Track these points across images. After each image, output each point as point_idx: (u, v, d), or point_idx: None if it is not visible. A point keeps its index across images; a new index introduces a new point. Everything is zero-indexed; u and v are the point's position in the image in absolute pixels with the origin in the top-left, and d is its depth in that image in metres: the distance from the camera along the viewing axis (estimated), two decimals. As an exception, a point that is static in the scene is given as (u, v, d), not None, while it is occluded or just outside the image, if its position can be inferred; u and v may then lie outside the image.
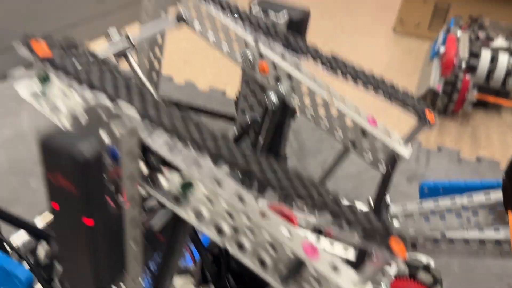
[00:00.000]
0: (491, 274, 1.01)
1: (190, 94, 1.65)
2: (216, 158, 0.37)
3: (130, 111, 0.36)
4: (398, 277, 0.84)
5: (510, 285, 1.00)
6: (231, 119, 0.76)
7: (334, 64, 0.57)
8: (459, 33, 1.65)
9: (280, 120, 0.69)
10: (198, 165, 0.39)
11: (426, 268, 0.85)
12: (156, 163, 0.40)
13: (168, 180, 0.41)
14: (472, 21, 1.88)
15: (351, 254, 0.75)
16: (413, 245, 0.78)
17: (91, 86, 0.38)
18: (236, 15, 0.59)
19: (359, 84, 0.56)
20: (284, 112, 0.71)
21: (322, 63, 0.57)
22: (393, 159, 0.58)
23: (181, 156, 0.39)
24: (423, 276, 0.84)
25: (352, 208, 0.36)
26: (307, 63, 0.60)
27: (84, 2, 1.92)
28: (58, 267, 0.44)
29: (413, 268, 0.85)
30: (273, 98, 0.59)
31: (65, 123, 0.43)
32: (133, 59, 0.52)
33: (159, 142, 0.38)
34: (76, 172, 0.32)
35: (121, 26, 2.17)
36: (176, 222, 0.46)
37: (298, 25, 0.64)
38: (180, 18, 0.61)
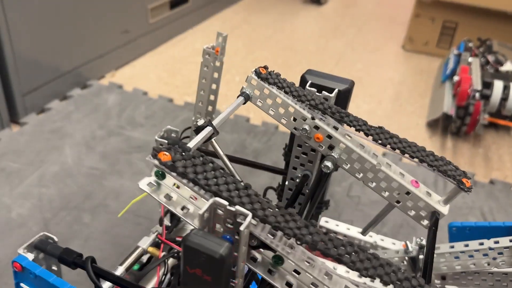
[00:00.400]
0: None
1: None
2: (313, 248, 0.47)
3: (244, 211, 0.46)
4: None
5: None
6: (279, 172, 0.86)
7: (383, 138, 0.67)
8: (470, 59, 1.75)
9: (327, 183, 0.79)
10: (292, 248, 0.49)
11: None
12: (257, 244, 0.50)
13: (263, 256, 0.51)
14: (481, 43, 1.98)
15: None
16: (442, 278, 0.88)
17: (210, 191, 0.48)
18: (294, 95, 0.69)
19: (406, 156, 0.66)
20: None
21: (372, 136, 0.67)
22: (435, 217, 0.68)
23: (279, 243, 0.49)
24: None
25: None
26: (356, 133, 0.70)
27: (110, 33, 2.02)
28: None
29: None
30: (329, 164, 0.69)
31: (178, 210, 0.53)
32: (215, 144, 0.62)
33: (263, 232, 0.48)
34: (214, 266, 0.42)
35: (144, 53, 2.27)
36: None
37: (345, 95, 0.74)
38: (245, 97, 0.71)
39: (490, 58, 1.79)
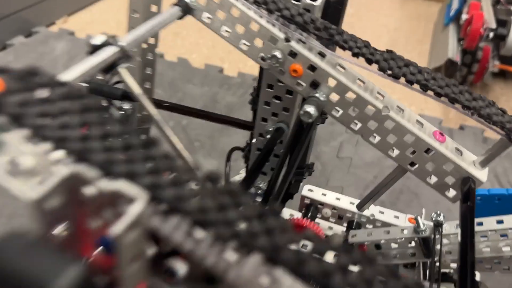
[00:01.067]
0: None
1: (184, 72, 1.49)
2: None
3: (132, 191, 0.22)
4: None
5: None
6: (245, 126, 0.62)
7: (394, 66, 0.43)
8: (479, -4, 1.49)
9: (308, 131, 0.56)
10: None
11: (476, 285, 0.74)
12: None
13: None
14: (489, -19, 1.71)
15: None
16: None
17: (64, 148, 0.24)
18: (258, 2, 0.44)
19: (430, 93, 0.42)
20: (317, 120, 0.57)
21: (378, 65, 0.43)
22: (468, 185, 0.45)
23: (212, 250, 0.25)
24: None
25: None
26: (351, 61, 0.46)
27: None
28: None
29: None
30: (312, 110, 0.45)
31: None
32: (126, 72, 0.38)
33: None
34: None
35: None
36: None
37: (336, 9, 0.50)
38: (184, 8, 0.46)
39: (501, -5, 1.54)
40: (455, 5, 1.62)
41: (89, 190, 0.23)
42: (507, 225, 0.59)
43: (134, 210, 0.22)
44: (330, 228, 0.78)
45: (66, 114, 0.26)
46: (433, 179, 0.48)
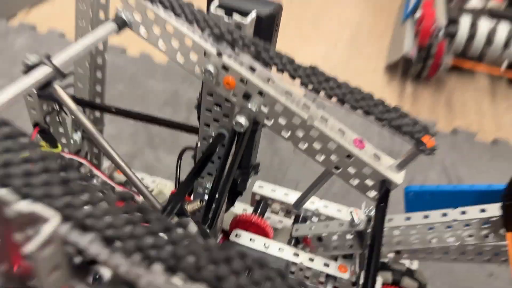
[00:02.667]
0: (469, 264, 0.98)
1: (147, 68, 1.51)
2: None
3: (46, 213, 0.26)
4: (383, 285, 0.80)
5: (492, 273, 0.98)
6: (190, 130, 0.65)
7: (315, 81, 0.47)
8: (434, -7, 1.55)
9: (251, 135, 0.60)
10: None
11: (410, 273, 0.80)
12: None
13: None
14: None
15: (331, 269, 0.69)
16: (396, 252, 0.72)
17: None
18: (190, 20, 0.47)
19: (346, 107, 0.46)
20: (255, 127, 0.61)
21: (301, 79, 0.47)
22: (384, 188, 0.50)
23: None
24: (408, 283, 0.79)
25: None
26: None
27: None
28: None
29: (397, 274, 0.80)
30: (243, 121, 0.49)
31: None
32: (61, 90, 0.40)
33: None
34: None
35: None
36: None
37: (268, 23, 0.53)
38: (121, 24, 0.48)
39: (456, -7, 1.60)
40: (412, 1, 1.67)
41: (9, 211, 0.27)
42: (433, 220, 0.64)
43: (46, 230, 0.25)
44: (280, 222, 0.83)
45: None
46: (356, 181, 0.52)
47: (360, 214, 0.70)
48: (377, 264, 0.55)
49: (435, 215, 0.63)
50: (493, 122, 1.48)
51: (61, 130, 0.68)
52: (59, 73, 0.41)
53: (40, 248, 0.25)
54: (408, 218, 0.65)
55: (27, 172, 0.27)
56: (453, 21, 1.39)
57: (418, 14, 1.46)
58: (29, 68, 0.40)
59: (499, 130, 1.43)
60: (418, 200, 0.72)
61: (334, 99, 0.46)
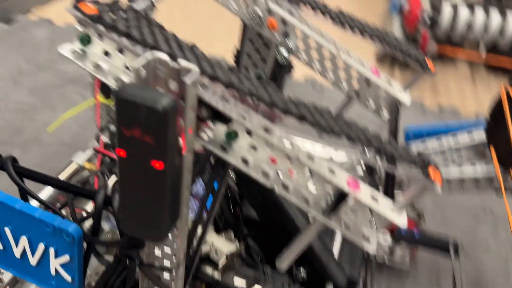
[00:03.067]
0: (459, 207, 1.13)
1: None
2: (271, 106, 0.40)
3: (190, 66, 0.38)
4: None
5: (477, 217, 1.12)
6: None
7: (342, 19, 0.61)
8: (418, -12, 1.72)
9: (283, 75, 0.73)
10: (249, 115, 0.42)
11: (411, 205, 0.94)
12: (207, 115, 0.42)
13: (214, 132, 0.44)
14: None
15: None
16: (399, 185, 0.86)
17: (146, 45, 0.40)
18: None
19: (366, 37, 0.60)
20: (287, 67, 0.74)
21: (331, 17, 0.60)
22: (395, 106, 0.64)
23: (233, 108, 0.42)
24: (409, 212, 0.93)
25: (392, 143, 0.41)
26: (313, 18, 0.63)
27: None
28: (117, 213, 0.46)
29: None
30: (285, 53, 0.62)
31: (109, 80, 0.44)
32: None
33: (214, 96, 0.41)
34: (156, 122, 0.35)
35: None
36: (218, 168, 0.50)
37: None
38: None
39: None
40: (398, -4, 1.84)
41: (160, 71, 0.39)
42: (431, 146, 0.78)
43: (194, 74, 0.38)
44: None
45: (139, 27, 0.41)
46: (372, 104, 0.66)
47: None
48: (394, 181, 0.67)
49: (431, 141, 0.77)
50: (474, 103, 1.65)
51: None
52: (153, 4, 0.54)
53: (192, 84, 0.37)
54: (409, 146, 0.79)
55: (170, 45, 0.40)
56: (436, 9, 1.56)
57: (404, 4, 1.63)
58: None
59: (480, 109, 1.59)
60: (416, 137, 0.86)
61: (357, 31, 0.60)
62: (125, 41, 0.41)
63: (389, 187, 0.56)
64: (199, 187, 0.71)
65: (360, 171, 0.82)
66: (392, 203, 0.44)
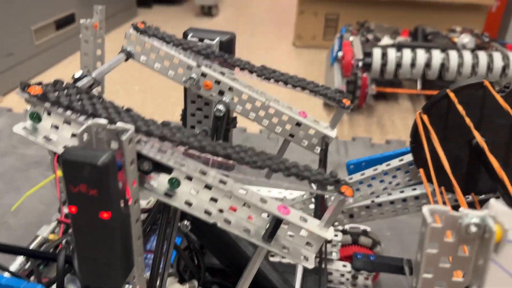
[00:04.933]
0: (415, 232, 1.19)
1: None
2: (201, 150, 0.47)
3: (126, 126, 0.45)
4: (344, 245, 0.99)
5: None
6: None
7: (266, 73, 0.70)
8: (351, 38, 1.89)
9: (226, 128, 0.80)
10: (186, 162, 0.49)
11: (365, 233, 1.00)
12: (149, 167, 0.49)
13: (158, 181, 0.51)
14: (360, 26, 2.15)
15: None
16: (350, 216, 0.92)
17: (86, 113, 0.46)
18: (176, 44, 0.70)
19: (289, 87, 0.69)
20: (228, 120, 0.82)
21: (256, 73, 0.69)
22: (325, 142, 0.72)
23: (171, 158, 0.48)
24: (364, 240, 0.98)
25: (308, 169, 0.48)
26: (242, 75, 0.72)
27: (-9, 56, 1.89)
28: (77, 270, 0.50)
29: (354, 236, 1.00)
30: (221, 107, 0.70)
31: (59, 149, 0.50)
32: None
33: (152, 149, 0.48)
34: (97, 176, 0.40)
35: (34, 76, 2.16)
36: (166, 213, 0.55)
37: (228, 45, 0.76)
38: (127, 54, 0.70)
39: (369, 36, 1.95)
40: (335, 47, 2.01)
41: (101, 135, 0.45)
42: (368, 174, 0.85)
43: (129, 132, 0.44)
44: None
45: (80, 100, 0.48)
46: (305, 142, 0.74)
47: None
48: (323, 207, 0.74)
49: (368, 171, 0.85)
50: (419, 133, 1.77)
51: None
52: (96, 81, 0.61)
53: (128, 140, 0.43)
54: (350, 178, 0.87)
55: (108, 111, 0.47)
56: (367, 54, 1.72)
57: (340, 54, 1.78)
58: (76, 80, 0.60)
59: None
60: (357, 169, 0.94)
61: (281, 83, 0.69)
62: (69, 113, 0.48)
63: (319, 209, 0.62)
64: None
65: (311, 205, 0.89)
66: (318, 221, 0.50)
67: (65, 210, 0.80)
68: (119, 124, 0.45)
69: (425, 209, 0.34)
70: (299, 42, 2.72)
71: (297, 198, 0.91)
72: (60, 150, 0.50)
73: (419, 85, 1.83)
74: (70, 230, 0.77)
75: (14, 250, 0.55)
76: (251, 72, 0.70)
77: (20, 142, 1.56)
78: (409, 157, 0.83)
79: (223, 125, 0.74)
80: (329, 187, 0.47)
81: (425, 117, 0.74)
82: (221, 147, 0.48)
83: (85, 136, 0.44)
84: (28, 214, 1.20)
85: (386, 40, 1.92)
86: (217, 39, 0.74)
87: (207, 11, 3.32)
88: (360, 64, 1.67)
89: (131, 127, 0.45)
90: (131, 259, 0.49)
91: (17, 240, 1.12)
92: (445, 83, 1.78)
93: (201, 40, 0.74)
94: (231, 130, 0.87)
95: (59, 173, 0.81)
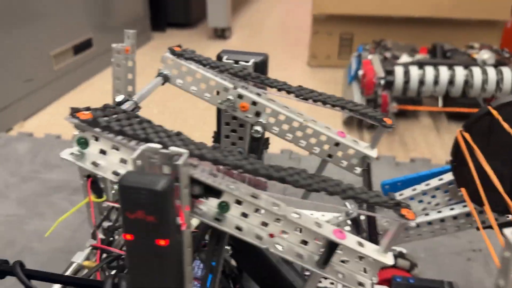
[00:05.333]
0: (451, 253, 1.16)
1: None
2: (254, 174, 0.46)
3: (180, 150, 0.44)
4: (382, 268, 0.96)
5: (469, 259, 1.16)
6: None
7: (304, 93, 0.69)
8: (369, 56, 1.89)
9: (261, 149, 0.79)
10: (237, 186, 0.48)
11: (402, 255, 0.97)
12: (200, 192, 0.48)
13: (208, 206, 0.49)
14: (376, 45, 2.15)
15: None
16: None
17: (139, 138, 0.46)
18: (213, 67, 0.69)
19: (328, 107, 0.68)
20: (263, 141, 0.81)
21: (294, 93, 0.68)
22: (366, 162, 0.70)
23: (222, 182, 0.47)
24: (401, 263, 0.96)
25: (365, 191, 0.47)
26: (279, 96, 0.71)
27: (13, 83, 1.91)
28: None
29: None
30: (259, 128, 0.69)
31: (108, 175, 0.49)
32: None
33: (203, 173, 0.46)
34: (156, 202, 0.39)
35: (53, 100, 2.18)
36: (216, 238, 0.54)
37: (262, 66, 0.76)
38: (164, 78, 0.70)
39: (387, 54, 1.95)
40: (353, 65, 2.01)
41: (153, 159, 0.45)
42: (407, 195, 0.83)
43: (184, 156, 0.43)
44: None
45: (131, 125, 0.47)
46: (344, 163, 0.72)
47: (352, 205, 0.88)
48: (375, 230, 0.72)
49: (407, 192, 0.83)
50: (442, 150, 1.74)
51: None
52: (137, 106, 0.60)
53: (183, 165, 0.42)
54: (389, 199, 0.84)
55: (159, 136, 0.46)
56: (389, 72, 1.71)
57: (361, 72, 1.78)
58: (118, 103, 0.59)
59: (447, 154, 1.69)
60: (392, 189, 0.92)
61: (319, 103, 0.68)
62: (119, 138, 0.47)
63: (372, 233, 0.60)
64: (197, 269, 0.74)
65: (347, 227, 0.87)
66: (377, 246, 0.49)
67: (101, 235, 0.79)
68: (173, 149, 0.44)
69: (508, 232, 0.33)
70: (314, 62, 2.73)
71: (331, 220, 0.89)
72: (109, 175, 0.49)
73: (440, 103, 1.81)
74: (104, 256, 0.75)
75: (52, 278, 0.54)
76: (288, 92, 0.69)
77: (42, 166, 1.56)
78: (448, 176, 0.81)
79: (260, 146, 0.73)
80: (393, 210, 0.45)
81: (466, 135, 0.73)
82: (274, 169, 0.47)
83: (139, 162, 0.43)
84: (53, 240, 1.19)
85: (404, 58, 1.91)
86: (252, 60, 0.74)
87: (220, 34, 3.35)
88: (382, 82, 1.66)
89: (185, 151, 0.44)
90: (183, 286, 0.48)
91: (44, 266, 1.11)
92: (466, 100, 1.77)
93: (236, 62, 0.74)
94: (264, 151, 0.85)
95: (93, 198, 0.80)
